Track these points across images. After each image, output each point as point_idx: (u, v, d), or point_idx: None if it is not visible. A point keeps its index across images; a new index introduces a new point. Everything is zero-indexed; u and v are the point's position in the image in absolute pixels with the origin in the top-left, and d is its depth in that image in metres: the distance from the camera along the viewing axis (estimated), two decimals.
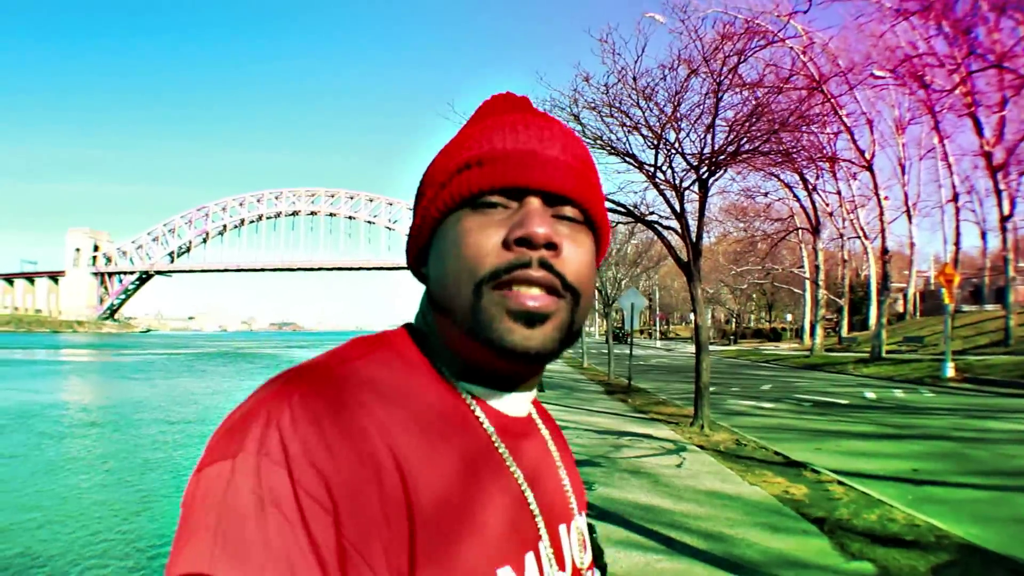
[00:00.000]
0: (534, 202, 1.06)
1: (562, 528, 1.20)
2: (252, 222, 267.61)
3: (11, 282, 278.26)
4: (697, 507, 10.20)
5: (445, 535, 0.94)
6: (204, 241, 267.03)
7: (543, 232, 1.02)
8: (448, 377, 1.11)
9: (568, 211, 1.10)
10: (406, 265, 1.24)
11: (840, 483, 11.87)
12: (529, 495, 1.12)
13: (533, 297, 1.02)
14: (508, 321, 1.02)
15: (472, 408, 1.10)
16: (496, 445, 1.10)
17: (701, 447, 15.28)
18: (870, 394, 29.21)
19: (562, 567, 1.16)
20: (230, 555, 0.80)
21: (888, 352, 49.15)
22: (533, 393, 1.24)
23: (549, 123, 1.15)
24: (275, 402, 0.90)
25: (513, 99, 1.23)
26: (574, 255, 1.07)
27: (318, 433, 0.87)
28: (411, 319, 1.23)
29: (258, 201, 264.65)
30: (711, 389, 19.73)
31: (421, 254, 1.18)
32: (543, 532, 1.12)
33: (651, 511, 9.95)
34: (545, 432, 1.32)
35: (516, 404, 1.18)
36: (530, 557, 1.08)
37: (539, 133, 1.11)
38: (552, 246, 1.03)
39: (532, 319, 1.02)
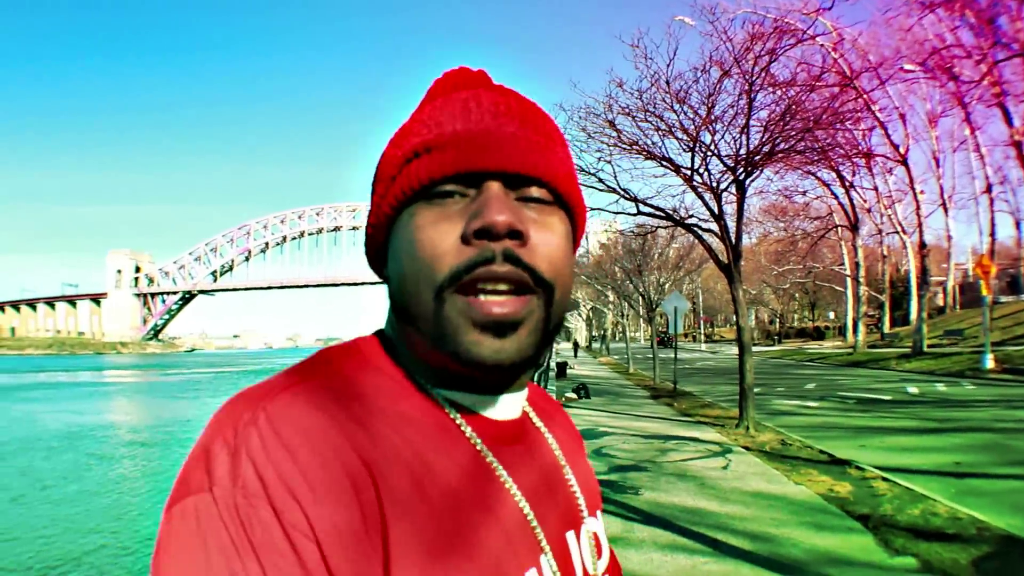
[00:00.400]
0: (493, 187, 0.95)
1: (570, 535, 1.11)
2: (294, 239, 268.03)
3: (52, 305, 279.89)
4: (743, 508, 10.20)
5: (431, 558, 0.86)
6: (247, 259, 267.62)
7: (504, 219, 0.91)
8: (423, 385, 1.01)
9: (534, 192, 0.99)
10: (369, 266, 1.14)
11: (884, 479, 11.86)
12: (526, 506, 1.02)
13: (500, 303, 0.92)
14: (475, 333, 0.92)
15: (453, 418, 1.01)
16: (484, 455, 1.01)
17: (747, 448, 15.25)
18: (912, 389, 29.10)
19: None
20: None
21: (929, 346, 48.64)
22: (524, 392, 1.13)
23: (505, 96, 1.05)
24: (242, 426, 0.84)
25: (466, 74, 1.12)
26: (544, 241, 0.97)
27: (291, 458, 0.81)
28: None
29: (299, 218, 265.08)
30: (756, 390, 19.64)
31: (380, 254, 1.08)
32: (545, 545, 1.03)
33: (697, 514, 9.95)
34: (546, 431, 1.21)
35: (505, 407, 1.08)
36: (531, 575, 0.98)
37: (493, 108, 1.01)
38: (517, 234, 0.93)
39: (502, 327, 0.93)
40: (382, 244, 1.06)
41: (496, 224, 0.90)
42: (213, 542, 0.77)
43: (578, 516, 1.15)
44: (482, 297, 0.92)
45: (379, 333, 1.10)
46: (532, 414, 1.20)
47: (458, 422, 1.00)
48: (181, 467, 0.87)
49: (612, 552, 1.29)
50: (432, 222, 0.95)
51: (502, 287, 0.92)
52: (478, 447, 1.00)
